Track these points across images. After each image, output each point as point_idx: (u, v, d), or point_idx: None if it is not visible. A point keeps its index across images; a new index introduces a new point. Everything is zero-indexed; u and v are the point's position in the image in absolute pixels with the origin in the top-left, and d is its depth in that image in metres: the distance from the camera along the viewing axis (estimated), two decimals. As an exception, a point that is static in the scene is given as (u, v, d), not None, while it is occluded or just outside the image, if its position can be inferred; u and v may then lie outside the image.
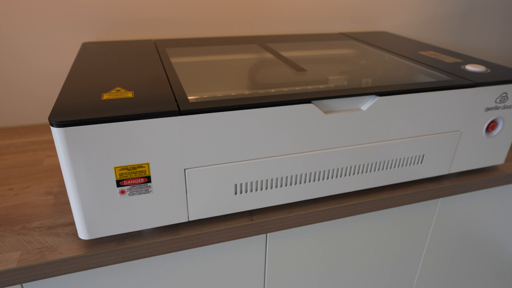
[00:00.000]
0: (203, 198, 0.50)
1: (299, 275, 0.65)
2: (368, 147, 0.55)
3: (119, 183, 0.45)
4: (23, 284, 0.49)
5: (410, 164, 0.60)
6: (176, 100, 0.46)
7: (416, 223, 0.70)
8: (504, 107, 0.61)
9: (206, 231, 0.52)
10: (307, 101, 0.49)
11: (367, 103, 0.53)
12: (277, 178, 0.53)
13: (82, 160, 0.42)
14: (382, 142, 0.56)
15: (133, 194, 0.46)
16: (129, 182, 0.46)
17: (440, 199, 0.69)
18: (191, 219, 0.51)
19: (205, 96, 0.55)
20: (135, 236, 0.51)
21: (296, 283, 0.66)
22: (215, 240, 0.53)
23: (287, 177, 0.53)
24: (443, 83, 0.56)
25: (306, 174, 0.54)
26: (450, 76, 0.60)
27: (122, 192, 0.46)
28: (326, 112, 0.51)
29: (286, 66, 0.64)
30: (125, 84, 0.51)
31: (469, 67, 0.64)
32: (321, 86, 0.59)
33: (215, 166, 0.49)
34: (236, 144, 0.48)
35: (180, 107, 0.44)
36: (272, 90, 0.57)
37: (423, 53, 0.73)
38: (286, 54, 0.72)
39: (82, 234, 0.47)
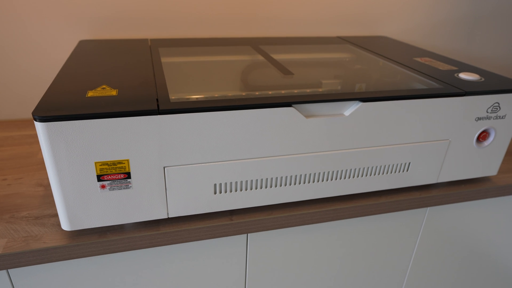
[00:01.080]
0: (183, 196, 0.51)
1: (281, 277, 0.66)
2: (351, 152, 0.55)
3: (99, 178, 0.47)
4: (8, 270, 0.51)
5: (395, 172, 0.60)
6: (157, 100, 0.47)
7: (403, 232, 0.69)
8: (496, 117, 0.60)
9: (186, 228, 0.53)
10: (288, 104, 0.50)
11: (350, 109, 0.53)
12: (257, 180, 0.53)
13: (64, 154, 0.44)
14: (365, 148, 0.56)
15: (113, 189, 0.48)
16: (109, 177, 0.47)
17: (428, 208, 0.68)
18: (170, 216, 0.52)
19: (188, 97, 0.56)
20: (117, 229, 0.52)
21: (277, 286, 0.66)
22: (194, 238, 0.54)
23: (267, 179, 0.54)
24: (430, 91, 0.56)
25: (286, 177, 0.55)
26: (441, 84, 0.59)
27: (103, 186, 0.47)
28: (307, 116, 0.51)
29: (275, 69, 0.64)
30: (111, 82, 0.52)
31: (463, 75, 0.63)
32: (307, 90, 0.60)
33: (194, 165, 0.50)
34: (216, 145, 0.49)
35: (159, 107, 0.45)
36: (256, 93, 0.57)
37: (418, 59, 0.73)
38: (277, 56, 0.72)
39: (65, 226, 0.49)
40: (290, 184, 0.55)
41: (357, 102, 0.53)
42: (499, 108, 0.60)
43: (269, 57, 0.70)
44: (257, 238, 0.60)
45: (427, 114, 0.56)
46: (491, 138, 0.62)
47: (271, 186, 0.55)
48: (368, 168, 0.58)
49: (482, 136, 0.62)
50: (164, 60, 0.66)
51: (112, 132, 0.44)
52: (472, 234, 0.75)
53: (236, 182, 0.53)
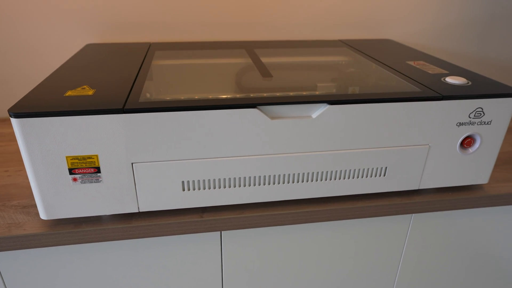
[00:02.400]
0: (152, 192, 0.54)
1: (257, 276, 0.66)
2: (321, 155, 0.55)
3: (71, 171, 0.50)
4: (-6, 254, 0.56)
5: (372, 176, 0.59)
6: (126, 100, 0.50)
7: (387, 239, 0.68)
8: (481, 123, 0.58)
9: (157, 223, 0.56)
10: (252, 106, 0.51)
11: (318, 111, 0.53)
12: (225, 179, 0.55)
13: (37, 149, 0.48)
14: (336, 151, 0.56)
15: (84, 182, 0.51)
16: (80, 171, 0.50)
17: (413, 215, 0.66)
18: (141, 210, 0.55)
19: (165, 97, 0.58)
20: (93, 221, 0.56)
21: (254, 284, 0.67)
22: (166, 232, 0.57)
23: (235, 178, 0.55)
24: (403, 94, 0.55)
25: (255, 177, 0.55)
26: (421, 87, 0.58)
27: (75, 179, 0.51)
28: (272, 117, 0.52)
29: (257, 72, 0.65)
30: (93, 83, 0.56)
31: (449, 79, 0.61)
32: (277, 94, 0.60)
33: (161, 162, 0.52)
34: (182, 143, 0.51)
35: (125, 106, 0.48)
36: (238, 95, 0.59)
37: (411, 63, 0.71)
38: (267, 60, 0.73)
39: (42, 215, 0.53)
40: (260, 184, 0.56)
41: (325, 104, 0.53)
42: (483, 113, 0.57)
43: (257, 60, 0.72)
44: (231, 237, 0.61)
45: (402, 118, 0.55)
46: (476, 145, 0.60)
47: (239, 186, 0.56)
48: (341, 171, 0.58)
49: (467, 142, 0.59)
50: (155, 62, 0.69)
51: (80, 129, 0.48)
52: (463, 244, 0.72)
53: (204, 180, 0.54)
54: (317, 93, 0.54)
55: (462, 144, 0.60)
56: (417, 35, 0.97)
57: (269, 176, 0.56)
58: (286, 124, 0.52)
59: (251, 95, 0.56)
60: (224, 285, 0.66)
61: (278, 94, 0.58)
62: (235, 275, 0.65)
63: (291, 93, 0.60)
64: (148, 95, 0.55)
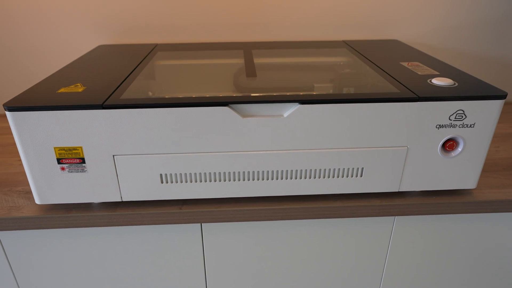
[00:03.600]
0: (133, 182, 0.58)
1: (238, 269, 0.69)
2: (293, 153, 0.57)
3: (59, 161, 0.55)
4: (-2, 233, 0.62)
5: (348, 176, 0.59)
6: (109, 97, 0.54)
7: (369, 240, 0.67)
8: (463, 126, 0.56)
9: (139, 212, 0.60)
10: (224, 104, 0.53)
11: (289, 110, 0.54)
12: (201, 173, 0.58)
13: (28, 139, 0.53)
14: (309, 150, 0.57)
15: (71, 172, 0.56)
16: (67, 161, 0.55)
17: (395, 218, 0.65)
18: (124, 199, 0.59)
19: (150, 96, 0.62)
20: (82, 208, 0.61)
21: (235, 276, 0.69)
22: (147, 222, 0.60)
23: (210, 173, 0.58)
24: (376, 95, 0.54)
25: (229, 172, 0.58)
26: (401, 88, 0.57)
27: (62, 168, 0.56)
28: (244, 116, 0.54)
29: (244, 71, 0.67)
30: (87, 81, 0.61)
31: (435, 81, 0.60)
32: (258, 94, 0.62)
33: (140, 155, 0.56)
34: (158, 138, 0.54)
35: (105, 102, 0.52)
36: (221, 94, 0.61)
37: (404, 64, 0.70)
38: (259, 60, 0.75)
39: (36, 200, 0.58)
40: (234, 180, 0.59)
41: (296, 104, 0.54)
42: (465, 116, 0.56)
43: (250, 61, 0.74)
44: (211, 229, 0.64)
45: (377, 118, 0.55)
46: (459, 148, 0.58)
47: (216, 181, 0.58)
48: (315, 170, 0.58)
49: (449, 146, 0.58)
50: (152, 62, 0.74)
51: (65, 122, 0.52)
52: (450, 250, 0.69)
53: (181, 174, 0.57)
54: (288, 93, 0.55)
55: (444, 147, 0.58)
56: (426, 35, 0.95)
57: (243, 172, 0.58)
58: (258, 122, 0.54)
59: (224, 94, 0.58)
60: (207, 275, 0.69)
61: (254, 93, 0.59)
62: (217, 265, 0.68)
63: (269, 93, 0.62)
64: (141, 94, 0.59)
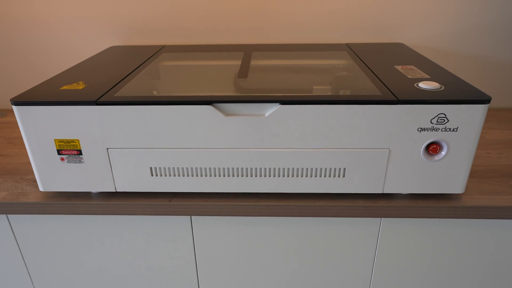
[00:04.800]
0: (126, 174, 0.62)
1: (228, 261, 0.71)
2: (274, 152, 0.59)
3: (59, 152, 0.60)
4: (7, 215, 0.68)
5: (330, 176, 0.61)
6: (104, 94, 0.59)
7: (355, 242, 0.68)
8: (446, 130, 0.56)
9: (131, 203, 0.64)
10: (208, 103, 0.56)
11: (270, 110, 0.56)
12: (187, 168, 0.61)
13: (32, 131, 0.59)
14: (290, 149, 0.58)
15: (70, 162, 0.61)
16: (66, 152, 0.60)
17: (381, 220, 0.65)
18: (118, 190, 0.63)
19: (143, 94, 0.66)
20: (82, 196, 0.66)
21: (225, 267, 0.72)
22: (139, 212, 0.64)
23: (196, 168, 0.61)
24: (355, 97, 0.55)
25: (215, 168, 0.61)
26: (384, 91, 0.58)
27: (62, 159, 0.61)
28: (227, 114, 0.57)
29: (236, 73, 0.70)
30: (88, 79, 0.66)
31: (421, 84, 0.60)
32: (239, 94, 0.64)
33: (131, 149, 0.60)
34: (147, 133, 0.58)
35: (99, 99, 0.57)
36: (211, 93, 0.64)
37: (398, 67, 0.70)
38: (255, 62, 0.78)
39: (40, 187, 0.64)
40: (220, 176, 0.61)
41: (277, 104, 0.56)
42: (447, 119, 0.55)
43: (246, 62, 0.76)
44: (200, 222, 0.67)
45: (357, 120, 0.56)
46: (443, 152, 0.58)
47: (202, 176, 0.61)
48: (297, 169, 0.60)
49: (432, 149, 0.58)
50: (154, 63, 0.78)
51: (63, 116, 0.57)
52: (438, 254, 0.69)
53: (170, 168, 0.61)
54: (270, 94, 0.57)
55: (428, 150, 0.58)
56: (433, 39, 0.94)
57: (228, 168, 0.60)
58: (240, 121, 0.57)
59: (214, 94, 0.61)
60: (198, 265, 0.72)
61: (240, 93, 0.62)
62: (207, 256, 0.71)
63: (254, 93, 0.64)
64: (134, 92, 0.63)
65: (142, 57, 0.81)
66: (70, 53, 0.99)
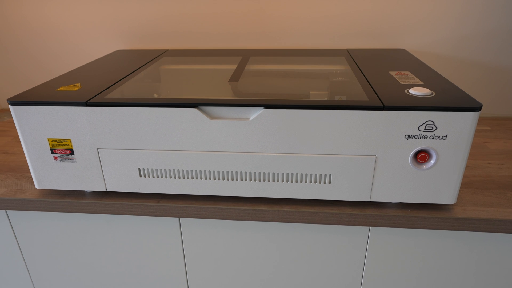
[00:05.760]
0: (116, 174, 0.63)
1: (216, 262, 0.71)
2: (259, 156, 0.59)
3: (52, 151, 0.62)
4: (6, 211, 0.71)
5: (316, 182, 0.60)
6: (96, 95, 0.60)
7: (343, 250, 0.66)
8: (434, 137, 0.55)
9: (121, 202, 0.65)
10: (193, 105, 0.57)
11: (254, 114, 0.56)
12: (175, 170, 0.61)
13: (27, 130, 0.61)
14: (274, 154, 0.58)
15: (63, 161, 0.63)
16: (59, 151, 0.62)
17: (370, 229, 0.64)
18: (109, 190, 0.65)
19: (133, 96, 0.67)
20: (75, 195, 0.67)
21: (213, 267, 0.72)
22: (128, 212, 0.65)
23: (183, 170, 0.61)
24: (341, 102, 0.55)
25: (201, 171, 0.61)
26: (372, 96, 0.57)
27: (55, 158, 0.63)
28: (212, 117, 0.57)
29: (229, 77, 0.71)
30: (85, 81, 0.68)
31: (412, 90, 0.59)
32: (225, 98, 0.64)
33: (120, 150, 0.61)
34: (135, 135, 0.59)
35: (89, 100, 0.58)
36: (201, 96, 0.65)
37: (393, 73, 0.69)
38: (251, 67, 0.78)
39: (36, 184, 0.66)
40: (206, 178, 0.62)
41: (261, 108, 0.56)
42: (435, 127, 0.54)
43: (241, 67, 0.77)
44: (188, 224, 0.68)
45: (342, 126, 0.55)
46: (432, 161, 0.56)
47: (189, 178, 0.62)
48: (282, 174, 0.60)
49: (421, 157, 0.56)
50: (155, 66, 0.80)
51: (55, 116, 0.59)
52: (428, 266, 0.66)
53: (158, 170, 0.62)
54: (255, 98, 0.58)
55: (416, 159, 0.57)
56: (436, 44, 0.91)
57: (213, 171, 0.61)
58: (225, 125, 0.57)
59: (200, 97, 0.62)
60: (187, 266, 0.73)
61: (228, 97, 0.62)
62: (196, 257, 0.71)
63: (242, 97, 0.64)
64: (126, 94, 0.65)
65: (143, 60, 0.83)
66: (80, 56, 1.03)
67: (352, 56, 0.83)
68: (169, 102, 0.57)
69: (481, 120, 0.95)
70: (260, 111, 0.56)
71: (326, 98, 0.64)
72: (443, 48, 0.91)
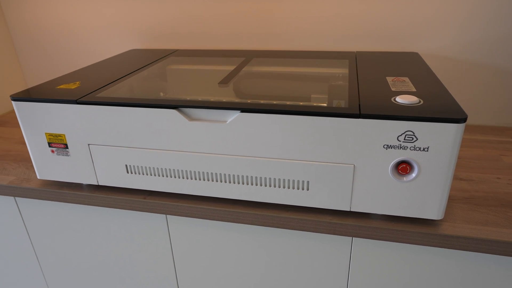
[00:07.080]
0: (106, 169, 0.66)
1: (203, 261, 0.72)
2: (235, 158, 0.59)
3: (49, 145, 0.66)
4: (15, 198, 0.77)
5: (294, 188, 0.59)
6: (88, 94, 0.64)
7: (326, 260, 0.65)
8: (415, 149, 0.52)
9: (111, 196, 0.68)
10: (173, 107, 0.58)
11: (231, 117, 0.57)
12: (159, 168, 0.63)
13: (28, 124, 0.65)
14: (250, 157, 0.58)
15: (59, 155, 0.67)
16: (55, 145, 0.66)
17: (353, 240, 0.62)
18: (100, 184, 0.68)
19: (124, 96, 0.70)
20: (72, 186, 0.71)
21: (202, 268, 0.73)
22: (117, 206, 0.68)
23: (167, 169, 0.63)
24: (317, 108, 0.53)
25: (182, 170, 0.62)
26: (353, 103, 0.55)
27: (52, 151, 0.67)
28: (191, 119, 0.58)
29: (222, 78, 0.71)
30: (87, 80, 0.72)
31: (398, 99, 0.56)
32: (204, 100, 0.64)
33: (108, 146, 0.64)
34: (120, 132, 0.62)
35: (80, 98, 0.62)
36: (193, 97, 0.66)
37: (389, 78, 0.66)
38: (249, 68, 0.78)
39: (37, 175, 0.71)
40: (188, 178, 0.63)
41: (237, 111, 0.56)
42: (415, 137, 0.51)
43: (238, 69, 0.77)
44: (175, 221, 0.69)
45: (319, 133, 0.54)
46: (413, 173, 0.53)
47: (171, 176, 0.63)
48: (261, 178, 0.59)
49: (402, 169, 0.53)
50: (159, 66, 0.82)
51: (50, 112, 0.63)
52: (416, 283, 0.63)
53: (142, 167, 0.64)
54: (233, 101, 0.57)
55: (397, 170, 0.54)
56: (450, 48, 0.85)
57: (194, 172, 0.62)
58: (203, 126, 0.58)
59: (194, 98, 0.63)
60: (175, 261, 0.74)
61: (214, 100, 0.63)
62: (183, 254, 0.73)
63: (231, 100, 0.64)
64: (122, 94, 0.67)
65: (151, 59, 0.86)
66: (95, 55, 1.08)
67: (357, 60, 0.80)
68: (151, 103, 0.59)
69: (503, 131, 0.88)
70: (236, 114, 0.56)
71: (311, 103, 0.63)
72: (460, 52, 0.85)
